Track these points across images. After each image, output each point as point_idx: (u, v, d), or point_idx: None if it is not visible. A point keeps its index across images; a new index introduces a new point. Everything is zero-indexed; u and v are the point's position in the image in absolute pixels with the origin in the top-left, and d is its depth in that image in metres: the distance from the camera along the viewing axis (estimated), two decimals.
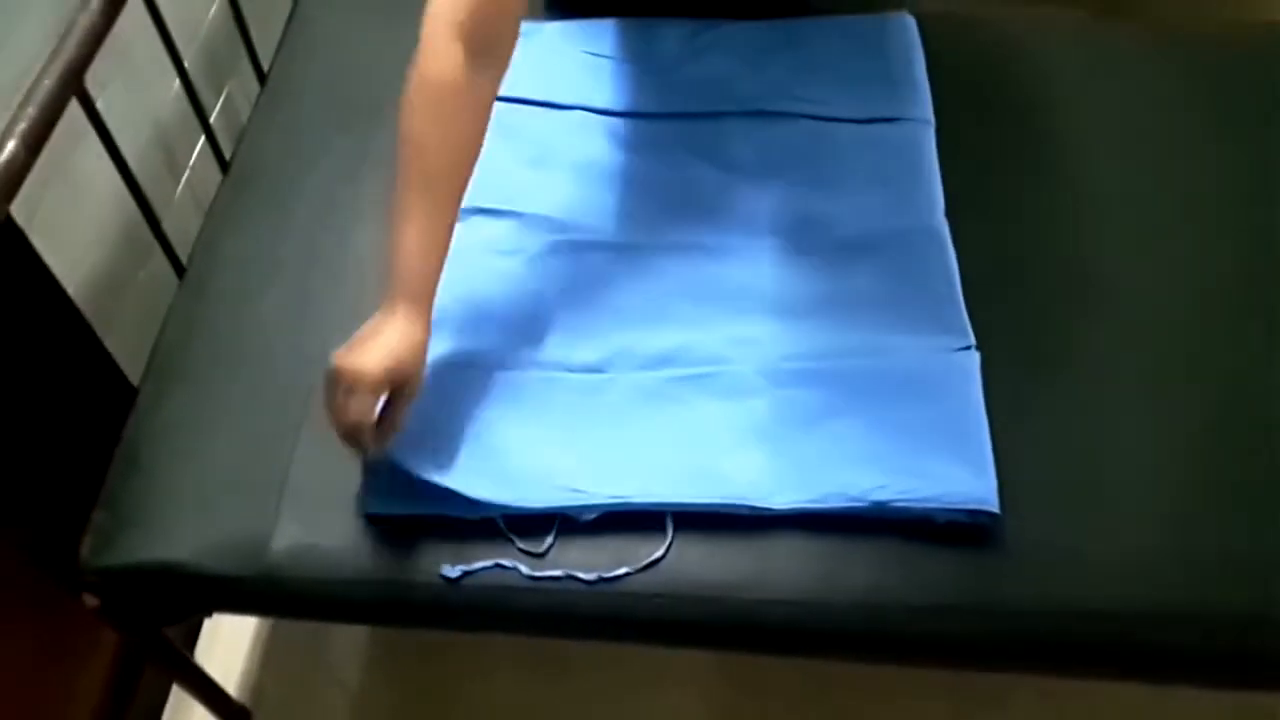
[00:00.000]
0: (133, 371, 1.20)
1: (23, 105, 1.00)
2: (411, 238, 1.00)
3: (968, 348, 1.13)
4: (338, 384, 0.97)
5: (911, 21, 1.41)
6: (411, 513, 1.04)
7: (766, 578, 1.03)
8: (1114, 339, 1.17)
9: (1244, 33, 1.56)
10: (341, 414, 0.97)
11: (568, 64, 1.41)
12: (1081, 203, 1.29)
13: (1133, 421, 1.11)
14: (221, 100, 1.47)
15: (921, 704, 1.42)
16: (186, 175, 1.40)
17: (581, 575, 1.02)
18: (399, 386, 0.99)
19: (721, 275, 1.22)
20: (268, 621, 1.45)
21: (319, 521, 1.05)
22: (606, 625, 1.05)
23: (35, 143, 1.00)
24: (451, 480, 1.04)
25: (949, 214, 1.25)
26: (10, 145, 0.97)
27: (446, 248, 1.03)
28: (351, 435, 0.98)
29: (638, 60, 1.41)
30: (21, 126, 0.99)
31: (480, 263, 1.22)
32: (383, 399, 0.99)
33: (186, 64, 1.33)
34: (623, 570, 1.02)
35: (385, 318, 0.99)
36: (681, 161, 1.32)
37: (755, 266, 1.22)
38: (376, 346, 0.97)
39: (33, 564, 1.10)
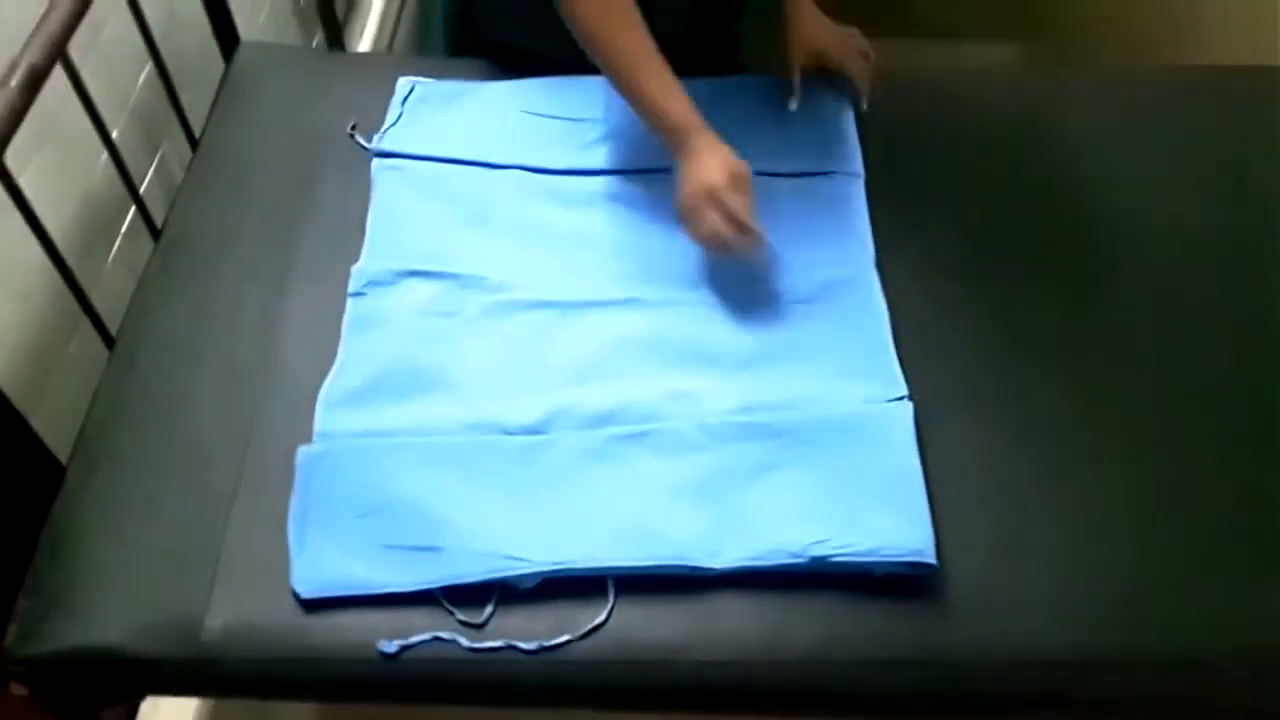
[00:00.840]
0: (63, 450, 1.18)
1: None
2: (667, 87, 1.19)
3: (900, 398, 1.14)
4: (695, 214, 1.17)
5: (841, 78, 1.43)
6: (343, 594, 1.02)
7: (711, 639, 1.02)
8: (1048, 383, 1.18)
9: (1181, 72, 1.60)
10: (714, 235, 1.16)
11: (503, 123, 1.41)
12: (1014, 248, 1.31)
13: (1068, 465, 1.12)
14: (155, 165, 1.46)
15: None
16: (118, 245, 1.38)
17: (522, 645, 1.00)
18: (737, 180, 1.16)
19: (659, 330, 1.22)
20: (209, 700, 1.41)
21: (253, 600, 1.03)
22: (550, 694, 1.03)
23: None
24: (381, 572, 1.03)
25: (881, 265, 1.26)
26: None
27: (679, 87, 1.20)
28: (738, 236, 1.16)
29: (574, 118, 1.41)
30: None
31: (413, 326, 1.21)
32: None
33: (117, 131, 1.31)
34: (564, 638, 1.00)
35: (689, 157, 1.18)
36: (618, 218, 1.32)
37: (692, 320, 1.22)
38: (703, 167, 1.16)
39: None
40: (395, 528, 1.06)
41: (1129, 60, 2.18)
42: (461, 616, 1.02)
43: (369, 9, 2.14)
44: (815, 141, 1.38)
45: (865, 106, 1.41)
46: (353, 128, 1.40)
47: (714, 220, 1.16)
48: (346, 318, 1.22)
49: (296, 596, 1.02)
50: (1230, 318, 1.25)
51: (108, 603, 1.04)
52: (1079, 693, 1.01)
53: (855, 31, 1.42)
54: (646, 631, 1.02)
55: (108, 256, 1.36)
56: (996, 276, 1.28)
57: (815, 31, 1.40)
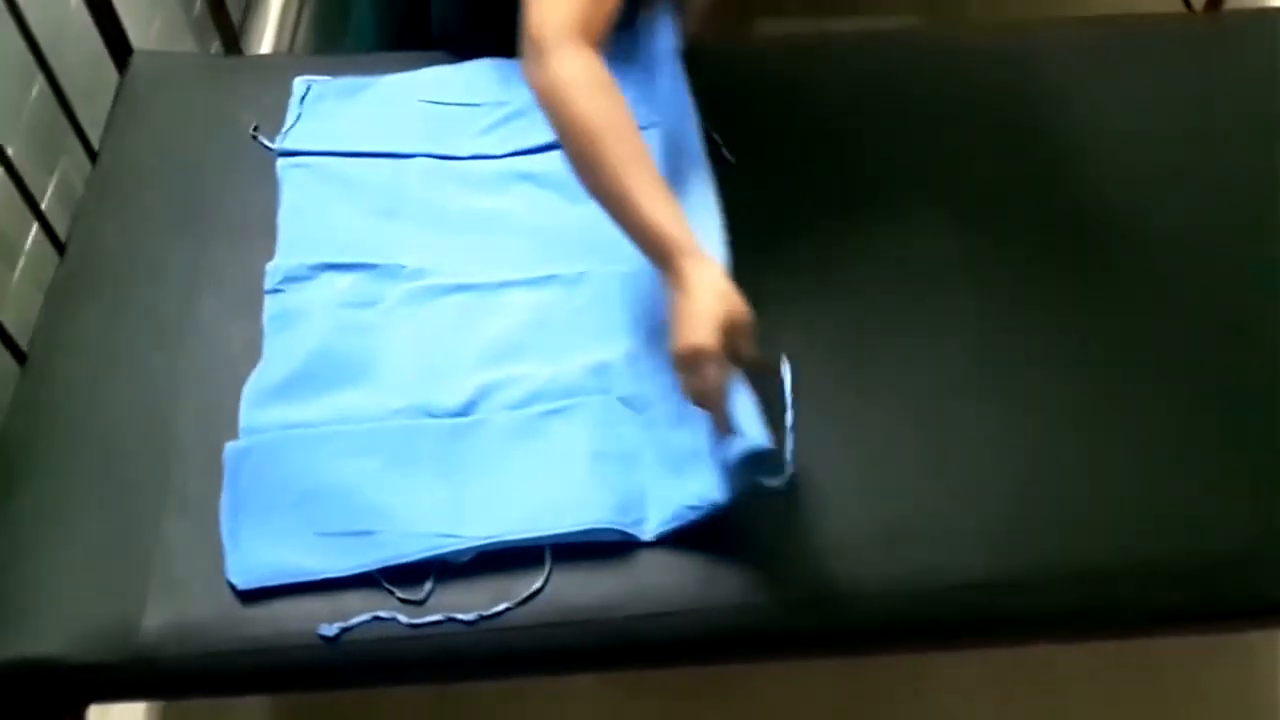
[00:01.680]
0: None
1: None
2: (658, 206, 1.03)
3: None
4: (686, 369, 1.00)
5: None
6: (281, 583, 1.04)
7: (643, 594, 1.05)
8: (923, 340, 1.24)
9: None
10: (702, 395, 1.00)
11: (404, 114, 1.43)
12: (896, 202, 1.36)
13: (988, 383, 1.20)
14: (55, 180, 1.45)
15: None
16: (23, 261, 1.36)
17: (461, 616, 1.02)
18: (734, 330, 1.00)
19: (576, 305, 1.24)
20: (157, 704, 1.41)
21: (188, 597, 1.04)
22: (492, 663, 1.05)
23: None
24: (317, 559, 1.04)
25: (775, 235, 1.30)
26: None
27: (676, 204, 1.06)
28: (718, 406, 1.00)
29: (473, 104, 1.43)
30: None
31: (333, 318, 1.22)
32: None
33: (12, 149, 1.30)
34: (502, 606, 1.03)
35: (680, 288, 1.01)
36: (528, 197, 1.34)
37: (606, 293, 1.25)
38: (695, 316, 0.99)
39: None
40: (328, 515, 1.07)
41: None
42: (401, 595, 1.03)
43: (266, 14, 2.12)
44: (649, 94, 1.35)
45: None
46: (255, 129, 1.40)
47: (712, 382, 1.00)
48: (265, 314, 1.23)
49: (234, 589, 1.03)
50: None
51: (42, 612, 1.03)
52: (997, 614, 1.07)
53: None
54: (580, 594, 1.05)
55: (13, 274, 1.35)
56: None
57: None
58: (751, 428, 1.00)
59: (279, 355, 1.20)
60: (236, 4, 2.02)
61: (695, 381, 1.00)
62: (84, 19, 1.49)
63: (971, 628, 1.09)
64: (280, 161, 1.36)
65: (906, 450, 1.14)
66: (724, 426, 1.02)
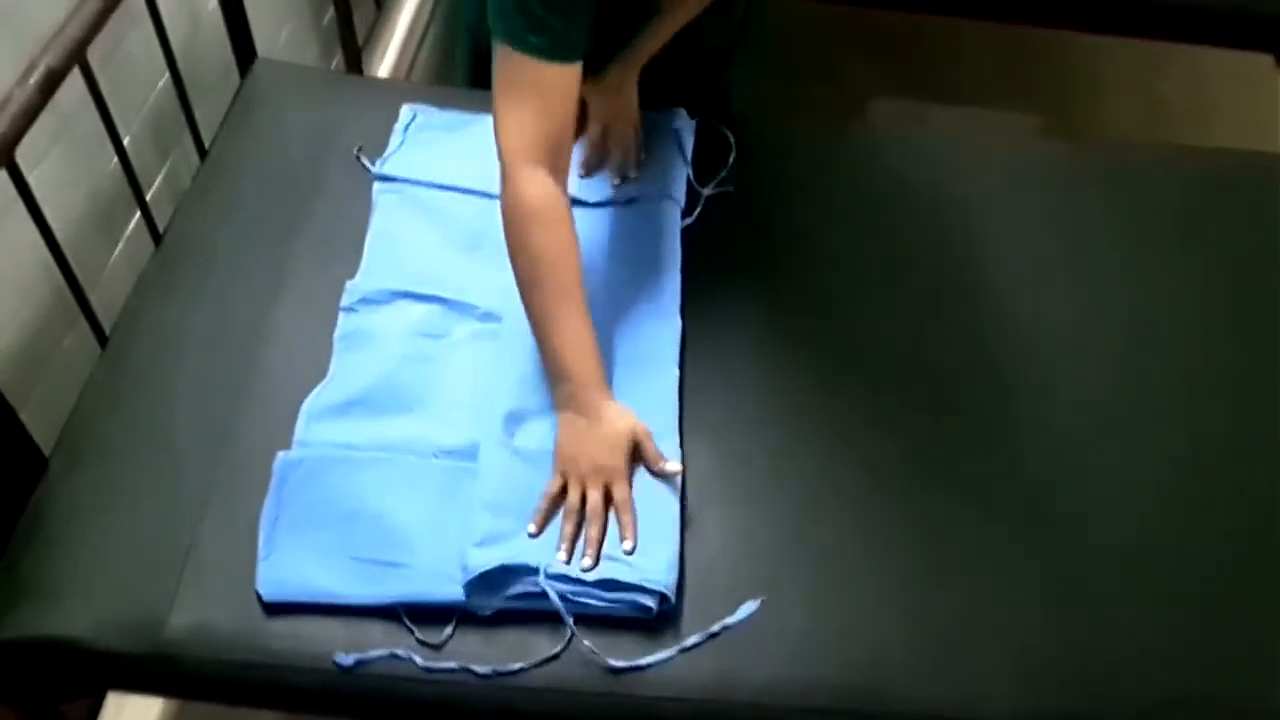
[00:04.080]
0: (48, 442, 1.20)
1: None
2: (575, 338, 1.14)
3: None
4: (582, 483, 1.10)
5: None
6: (304, 600, 1.05)
7: (662, 677, 1.03)
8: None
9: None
10: (596, 506, 1.09)
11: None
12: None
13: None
14: (165, 171, 1.50)
15: None
16: (120, 247, 1.41)
17: (476, 668, 1.02)
18: (642, 446, 1.12)
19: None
20: (174, 702, 1.42)
21: (217, 601, 1.05)
22: (496, 718, 1.05)
23: None
24: (344, 583, 1.05)
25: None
26: None
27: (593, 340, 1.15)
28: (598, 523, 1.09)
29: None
30: None
31: (401, 346, 1.24)
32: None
33: (130, 135, 1.35)
34: (517, 665, 1.02)
35: (577, 414, 1.12)
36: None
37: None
38: (605, 442, 1.11)
39: None
40: (363, 540, 1.08)
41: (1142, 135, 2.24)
42: (420, 635, 1.04)
43: (391, 36, 2.18)
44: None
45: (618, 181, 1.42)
46: (359, 149, 1.43)
47: (590, 499, 1.10)
48: (337, 332, 1.25)
49: (259, 599, 1.05)
50: None
51: (76, 594, 1.06)
52: None
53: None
54: (599, 664, 1.04)
55: (110, 257, 1.39)
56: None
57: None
58: (658, 561, 1.06)
59: (345, 374, 1.22)
60: (364, 21, 2.09)
61: (594, 498, 1.09)
62: (219, 20, 1.55)
63: None
64: (376, 185, 1.39)
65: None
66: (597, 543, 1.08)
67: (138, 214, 1.40)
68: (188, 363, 1.22)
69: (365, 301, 1.28)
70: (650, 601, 1.04)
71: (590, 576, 1.05)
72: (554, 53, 1.13)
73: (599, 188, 1.41)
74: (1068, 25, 2.05)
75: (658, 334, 1.26)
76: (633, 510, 1.09)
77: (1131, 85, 2.46)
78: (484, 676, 1.02)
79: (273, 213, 1.37)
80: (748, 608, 1.07)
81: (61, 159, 1.25)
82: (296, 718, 1.10)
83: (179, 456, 1.15)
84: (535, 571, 1.04)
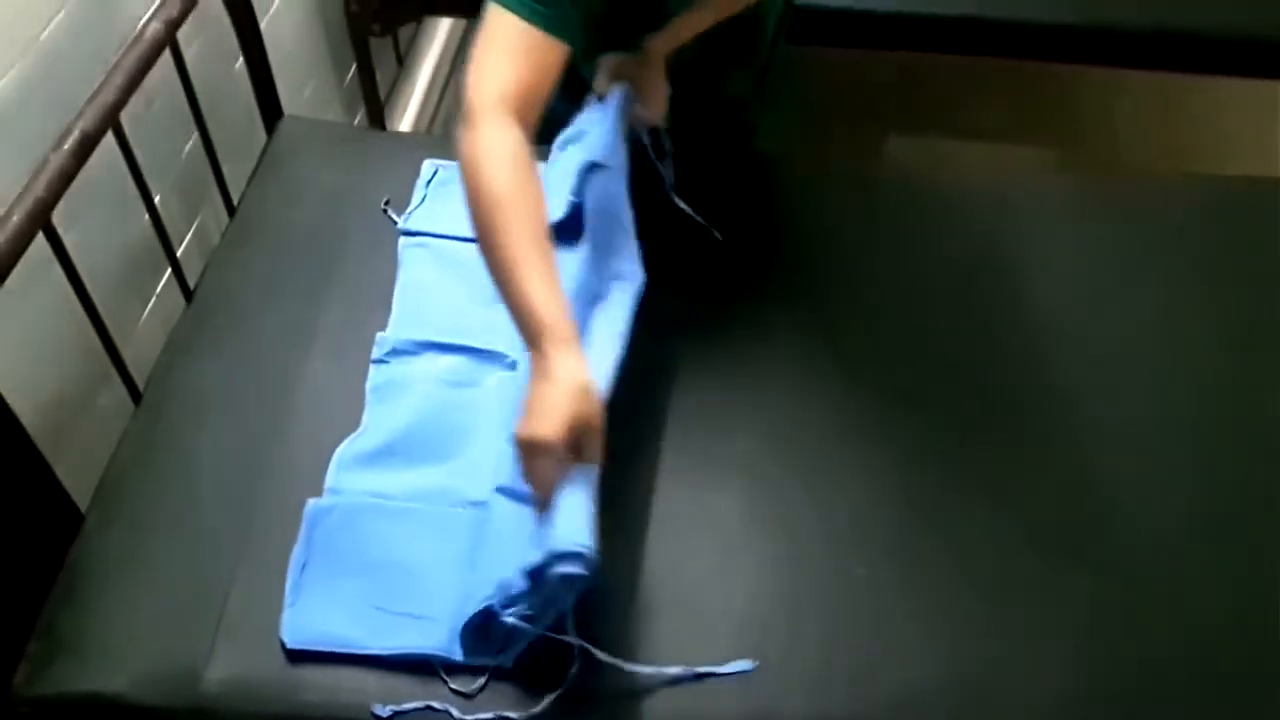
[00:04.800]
0: (83, 498, 1.22)
1: None
2: (539, 287, 1.01)
3: None
4: (526, 456, 0.98)
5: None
6: (327, 649, 1.05)
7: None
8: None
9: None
10: (538, 484, 0.99)
11: None
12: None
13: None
14: (194, 229, 1.52)
15: None
16: (152, 304, 1.43)
17: (512, 715, 1.02)
18: (582, 431, 0.97)
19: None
20: None
21: (252, 654, 1.06)
22: None
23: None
24: (368, 634, 1.05)
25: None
26: None
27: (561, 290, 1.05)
28: (546, 495, 0.99)
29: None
30: None
31: (432, 396, 1.25)
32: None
33: (159, 195, 1.38)
34: (548, 699, 1.02)
35: (541, 374, 0.99)
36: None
37: None
38: (547, 408, 0.96)
39: None
40: (389, 590, 1.09)
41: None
42: (454, 685, 1.04)
43: (412, 90, 2.22)
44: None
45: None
46: (386, 203, 1.45)
47: (546, 475, 0.99)
48: (369, 383, 1.27)
49: (283, 646, 1.05)
50: None
51: (114, 650, 1.06)
52: None
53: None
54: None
55: (141, 314, 1.42)
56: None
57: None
58: (570, 526, 0.96)
59: (378, 424, 1.23)
60: (386, 76, 2.13)
61: (532, 468, 0.99)
62: (244, 79, 1.58)
63: None
64: (402, 240, 1.42)
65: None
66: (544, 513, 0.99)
67: (168, 272, 1.43)
68: (221, 417, 1.24)
69: (395, 353, 1.29)
70: (576, 567, 0.96)
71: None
72: (550, 24, 1.10)
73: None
74: (1079, 60, 2.06)
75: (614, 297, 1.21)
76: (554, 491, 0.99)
77: (1145, 117, 2.48)
78: None
79: (302, 267, 1.39)
80: (738, 665, 1.06)
81: (96, 216, 1.28)
82: None
83: (212, 509, 1.16)
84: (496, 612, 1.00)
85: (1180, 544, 1.19)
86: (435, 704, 1.02)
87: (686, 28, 1.35)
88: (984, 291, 1.44)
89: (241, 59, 1.58)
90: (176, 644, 1.06)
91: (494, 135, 1.05)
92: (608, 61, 1.34)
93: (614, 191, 1.28)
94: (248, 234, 1.45)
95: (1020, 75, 2.25)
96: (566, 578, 0.96)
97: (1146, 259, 1.49)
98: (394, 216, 1.44)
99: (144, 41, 1.27)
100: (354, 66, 2.01)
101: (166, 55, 1.31)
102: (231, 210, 1.52)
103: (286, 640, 1.06)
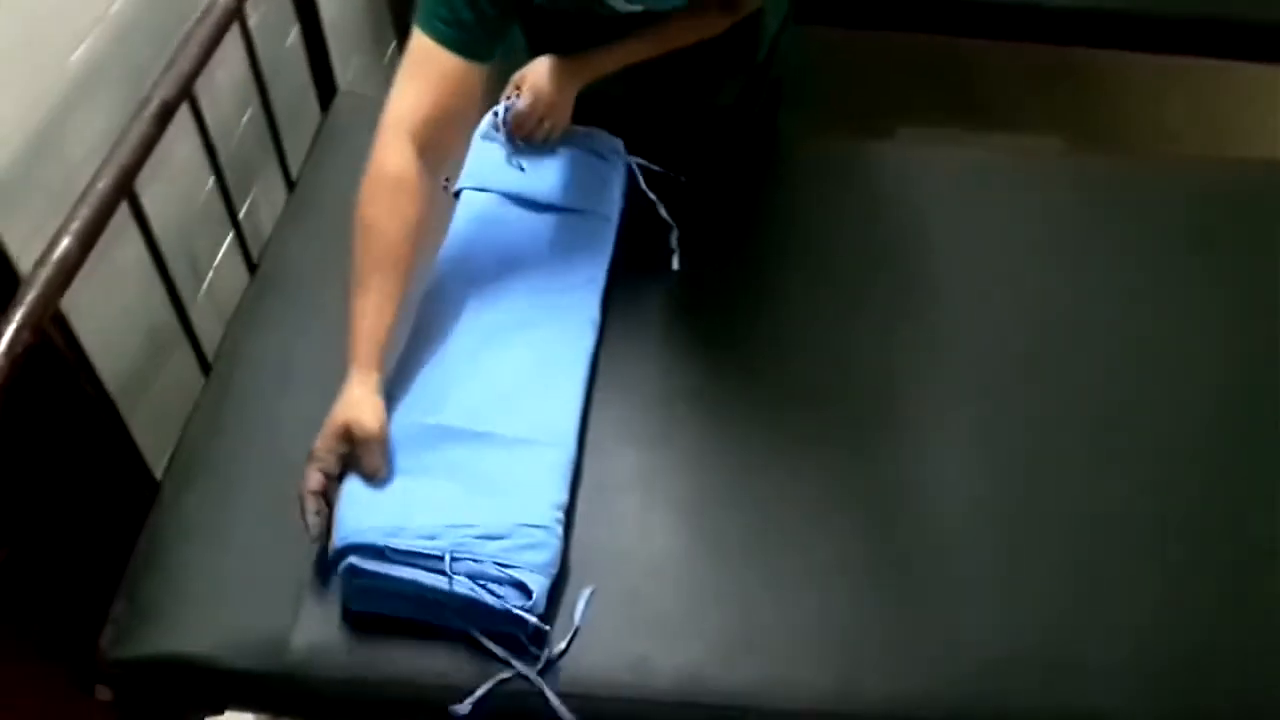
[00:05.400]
0: (152, 464, 1.22)
1: (77, 205, 1.04)
2: (367, 311, 1.11)
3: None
4: (308, 460, 1.07)
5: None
6: (386, 612, 1.06)
7: (780, 684, 1.05)
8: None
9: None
10: (308, 489, 1.06)
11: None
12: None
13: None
14: (247, 205, 1.52)
15: None
16: (210, 276, 1.44)
17: (600, 693, 1.03)
18: (355, 441, 1.07)
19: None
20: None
21: (338, 619, 1.06)
22: None
23: (88, 241, 1.04)
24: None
25: None
26: (65, 242, 1.01)
27: (396, 319, 1.14)
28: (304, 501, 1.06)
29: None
30: (75, 225, 1.03)
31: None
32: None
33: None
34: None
35: (346, 387, 1.09)
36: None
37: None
38: (328, 420, 1.08)
39: (43, 656, 1.10)
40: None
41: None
42: (535, 652, 1.04)
43: None
44: (587, 184, 1.42)
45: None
46: (445, 179, 1.46)
47: (308, 482, 1.07)
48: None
49: (344, 611, 1.06)
50: None
51: (199, 613, 1.07)
52: None
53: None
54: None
55: (199, 286, 1.42)
56: None
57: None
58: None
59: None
60: None
61: (307, 473, 1.07)
62: (294, 57, 1.58)
63: None
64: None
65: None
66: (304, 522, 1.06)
67: (226, 241, 1.43)
68: (295, 389, 1.24)
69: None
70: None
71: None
72: (460, 46, 1.15)
73: (549, 190, 1.41)
74: (1085, 43, 2.08)
75: (571, 341, 1.25)
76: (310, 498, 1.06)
77: (1150, 102, 2.49)
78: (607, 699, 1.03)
79: None
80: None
81: (161, 187, 1.28)
82: None
83: (291, 478, 1.15)
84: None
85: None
86: (524, 669, 1.03)
87: (611, 59, 1.36)
88: (981, 273, 1.43)
89: (293, 35, 1.58)
90: (261, 609, 1.07)
91: (384, 159, 1.14)
92: (519, 75, 1.38)
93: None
94: (309, 208, 1.45)
95: (1024, 57, 2.26)
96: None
97: (1148, 241, 1.48)
98: (453, 190, 1.45)
99: (216, 10, 1.27)
100: (393, 45, 2.01)
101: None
102: (289, 183, 1.52)
103: (349, 604, 1.06)
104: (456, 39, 1.14)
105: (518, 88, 1.39)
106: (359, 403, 1.08)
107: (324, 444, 1.07)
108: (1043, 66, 2.35)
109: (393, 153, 1.13)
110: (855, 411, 1.26)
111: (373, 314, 1.11)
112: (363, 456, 1.07)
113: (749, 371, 1.30)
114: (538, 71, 1.38)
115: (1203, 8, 1.98)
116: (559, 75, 1.38)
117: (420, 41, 1.15)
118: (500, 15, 1.17)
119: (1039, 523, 1.17)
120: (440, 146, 1.17)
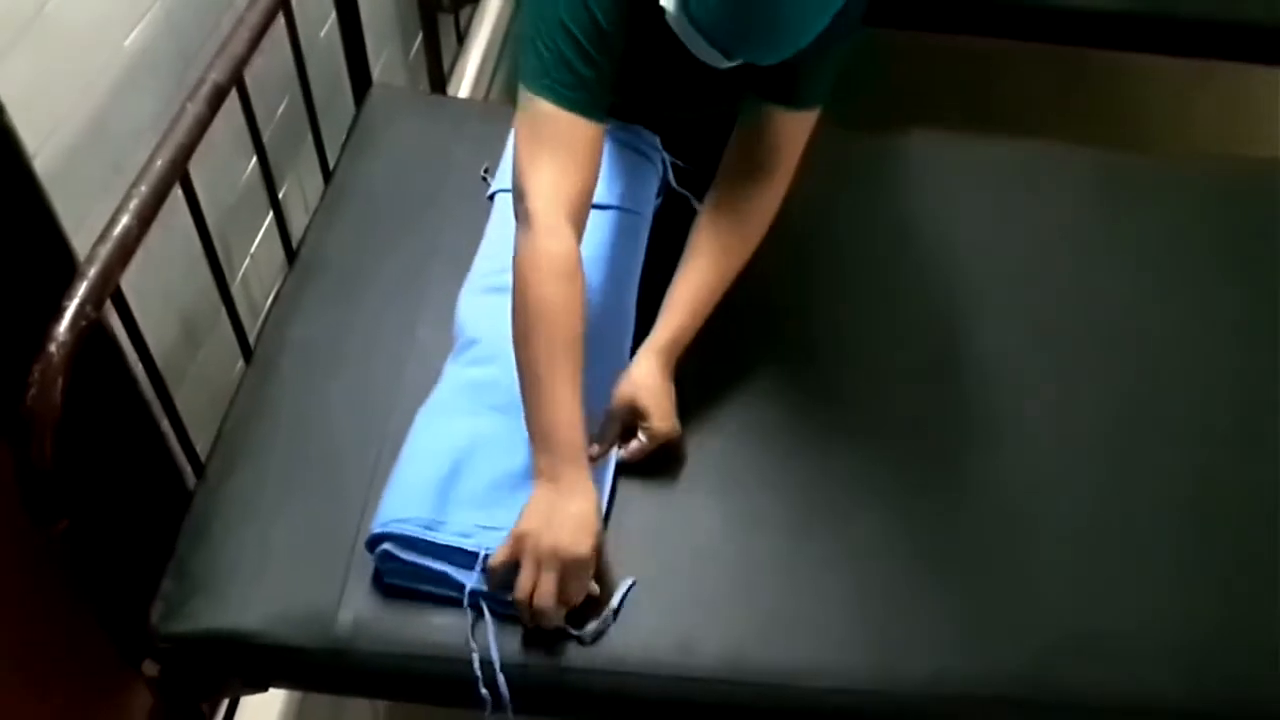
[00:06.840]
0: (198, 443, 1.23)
1: (135, 183, 1.06)
2: (565, 403, 1.05)
3: None
4: (538, 563, 1.01)
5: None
6: (416, 586, 1.08)
7: (825, 665, 1.07)
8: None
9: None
10: (547, 595, 1.01)
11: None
12: None
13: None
14: (282, 194, 1.54)
15: None
16: (247, 262, 1.45)
17: (640, 671, 1.05)
18: (566, 571, 1.02)
19: None
20: (294, 705, 1.44)
21: (384, 595, 1.08)
22: (666, 709, 1.08)
23: (146, 218, 1.05)
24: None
25: None
26: (125, 219, 1.03)
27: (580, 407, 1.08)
28: (548, 614, 1.02)
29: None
30: (134, 203, 1.04)
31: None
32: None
33: (252, 158, 1.39)
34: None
35: (556, 489, 1.04)
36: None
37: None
38: (576, 526, 1.02)
39: (86, 629, 1.11)
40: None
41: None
42: (575, 632, 1.06)
43: (469, 61, 2.25)
44: (627, 181, 1.42)
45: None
46: (485, 170, 1.47)
47: (542, 583, 1.02)
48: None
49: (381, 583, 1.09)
50: None
51: (247, 589, 1.09)
52: None
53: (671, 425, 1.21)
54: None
55: (238, 270, 1.43)
56: None
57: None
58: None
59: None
60: (448, 50, 2.15)
61: (547, 583, 1.01)
62: (326, 49, 1.60)
63: None
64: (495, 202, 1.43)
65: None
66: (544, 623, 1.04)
67: (263, 226, 1.44)
68: (338, 373, 1.26)
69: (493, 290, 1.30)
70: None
71: None
72: (585, 108, 1.10)
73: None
74: (1106, 45, 2.10)
75: (607, 334, 1.26)
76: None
77: (1171, 103, 2.51)
78: (643, 675, 1.05)
79: (402, 231, 1.42)
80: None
81: (204, 170, 1.29)
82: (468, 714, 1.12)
83: (335, 458, 1.18)
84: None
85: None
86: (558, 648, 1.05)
87: (690, 327, 1.23)
88: (993, 268, 1.45)
89: (327, 26, 1.60)
90: (309, 585, 1.09)
91: (548, 246, 1.08)
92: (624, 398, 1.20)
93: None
94: (347, 195, 1.47)
95: (1040, 58, 2.28)
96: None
97: (1162, 238, 1.50)
98: (491, 183, 1.46)
99: None
100: (419, 39, 2.03)
101: None
102: (325, 172, 1.53)
103: (386, 577, 1.08)
104: (582, 101, 1.09)
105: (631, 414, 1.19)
106: (582, 523, 1.02)
107: (586, 549, 1.02)
108: (1062, 67, 2.37)
109: (555, 239, 1.08)
110: (888, 397, 1.29)
111: (571, 406, 1.05)
112: (572, 585, 1.03)
113: (784, 358, 1.32)
114: (648, 388, 1.18)
115: (1222, 11, 2.01)
116: (663, 379, 1.20)
117: (541, 108, 1.09)
118: (612, 62, 1.12)
119: (1075, 508, 1.19)
120: (584, 216, 1.14)
